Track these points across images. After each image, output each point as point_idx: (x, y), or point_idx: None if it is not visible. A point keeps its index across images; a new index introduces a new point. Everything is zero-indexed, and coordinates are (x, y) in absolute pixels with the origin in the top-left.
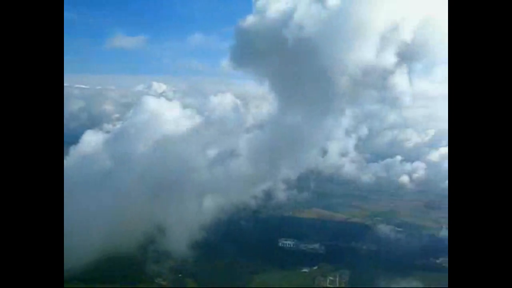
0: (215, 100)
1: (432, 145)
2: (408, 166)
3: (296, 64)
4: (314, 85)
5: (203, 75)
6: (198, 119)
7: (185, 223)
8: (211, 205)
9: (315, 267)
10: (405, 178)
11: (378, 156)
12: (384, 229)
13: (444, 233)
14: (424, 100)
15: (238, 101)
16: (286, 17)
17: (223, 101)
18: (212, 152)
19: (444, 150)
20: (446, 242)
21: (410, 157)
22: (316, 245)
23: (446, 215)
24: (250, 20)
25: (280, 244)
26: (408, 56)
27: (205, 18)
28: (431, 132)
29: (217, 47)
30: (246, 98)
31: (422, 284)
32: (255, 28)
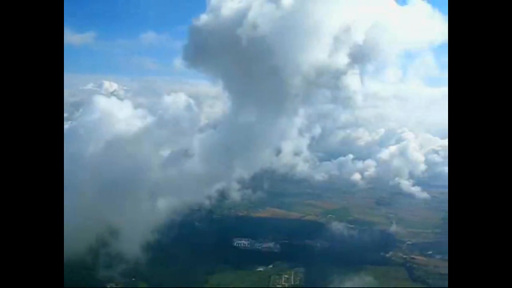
0: (168, 99)
1: (382, 143)
2: (359, 164)
3: (250, 64)
4: (268, 85)
5: (155, 74)
6: (150, 119)
7: (138, 225)
8: (164, 206)
9: (270, 266)
10: (357, 176)
11: (330, 155)
12: (337, 226)
13: (394, 228)
14: (375, 100)
15: (191, 101)
16: (240, 16)
17: (176, 101)
18: (165, 152)
19: (393, 148)
20: (395, 237)
21: (361, 155)
22: (271, 244)
23: (395, 211)
24: (203, 19)
25: (235, 244)
26: (359, 57)
27: (157, 16)
28: (381, 131)
29: (170, 45)
30: (199, 98)
31: (374, 279)
32: (208, 27)
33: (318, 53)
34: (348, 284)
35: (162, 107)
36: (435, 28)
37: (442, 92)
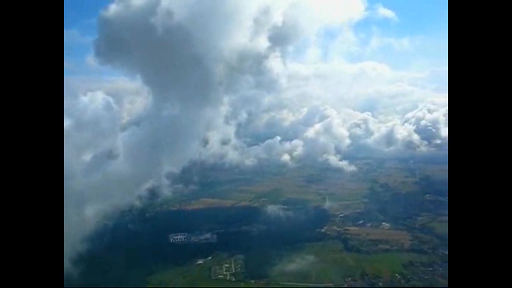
0: (84, 99)
1: (307, 122)
2: (287, 145)
3: (169, 54)
4: (190, 75)
5: (68, 74)
6: (68, 122)
7: (65, 237)
8: (93, 213)
9: (210, 257)
10: (285, 157)
11: (258, 139)
12: (271, 208)
13: (326, 203)
14: (296, 81)
15: (110, 99)
16: (153, 4)
17: (93, 100)
18: (87, 157)
19: (318, 126)
20: (328, 211)
21: (288, 136)
22: (208, 235)
23: (326, 186)
24: (112, 9)
25: (171, 240)
26: (280, 39)
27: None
28: (305, 110)
29: (79, 42)
30: (118, 95)
31: (312, 254)
32: (119, 18)
33: (239, 37)
34: (290, 266)
35: (79, 108)
36: (352, 5)
37: (360, 67)
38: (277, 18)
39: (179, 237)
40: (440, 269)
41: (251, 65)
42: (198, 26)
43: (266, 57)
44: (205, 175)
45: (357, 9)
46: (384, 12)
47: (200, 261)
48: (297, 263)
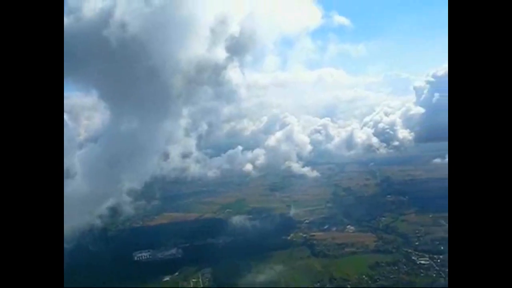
0: None
1: (267, 131)
2: (249, 154)
3: (124, 67)
4: (147, 88)
5: None
6: None
7: None
8: None
9: (176, 273)
10: (248, 166)
11: (220, 150)
12: (236, 219)
13: (292, 211)
14: (256, 90)
15: (65, 116)
16: (105, 16)
17: None
18: None
19: (279, 134)
20: (294, 218)
21: (249, 145)
22: (173, 250)
23: (290, 193)
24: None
25: (135, 258)
26: (238, 49)
27: None
28: (265, 119)
29: None
30: (74, 111)
31: (280, 263)
32: (70, 31)
33: (196, 48)
34: (260, 278)
35: None
36: (309, 13)
37: (318, 74)
38: (234, 28)
39: (144, 254)
40: (405, 267)
41: (209, 76)
42: (153, 37)
43: (224, 67)
44: (168, 189)
45: (314, 17)
46: (340, 19)
47: (167, 278)
48: (265, 273)
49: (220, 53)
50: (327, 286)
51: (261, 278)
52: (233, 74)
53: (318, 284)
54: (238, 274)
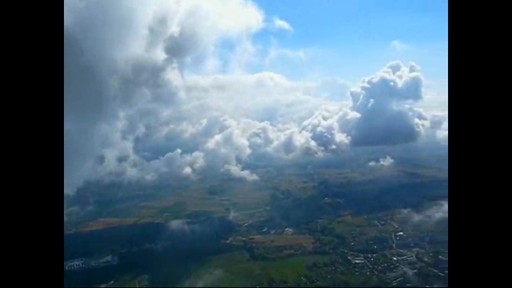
0: None
1: (207, 134)
2: (188, 157)
3: None
4: (81, 88)
5: None
6: None
7: None
8: None
9: (112, 281)
10: (187, 170)
11: (158, 153)
12: (175, 223)
13: (231, 214)
14: (195, 92)
15: None
16: None
17: None
18: None
19: (218, 137)
20: (233, 222)
21: (188, 148)
22: (108, 257)
23: (229, 197)
24: None
25: (66, 268)
26: (177, 50)
27: None
28: (204, 121)
29: None
30: None
31: (220, 267)
32: None
33: (134, 47)
34: (200, 283)
35: None
36: (250, 16)
37: (258, 77)
38: (174, 28)
39: (76, 263)
40: (341, 267)
41: (147, 77)
42: (88, 34)
43: (163, 68)
44: (103, 194)
45: (255, 20)
46: (281, 23)
47: (102, 286)
48: (204, 278)
49: (159, 54)
50: None
51: (200, 283)
52: (172, 76)
53: (257, 287)
54: (176, 279)
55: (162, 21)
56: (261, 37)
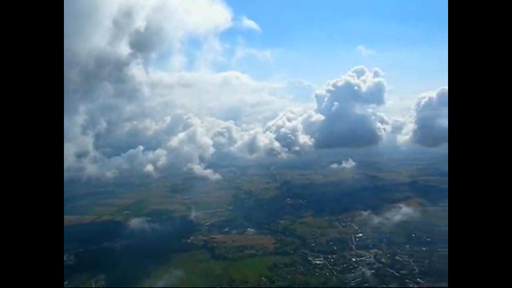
0: None
1: (170, 131)
2: (150, 155)
3: None
4: None
5: None
6: None
7: None
8: None
9: (66, 282)
10: (149, 167)
11: (120, 149)
12: (135, 221)
13: (193, 213)
14: (160, 89)
15: None
16: None
17: None
18: None
19: (182, 135)
20: (194, 221)
21: (151, 145)
22: (64, 257)
23: (191, 196)
24: None
25: None
26: (142, 45)
27: None
28: (168, 119)
29: None
30: None
31: (180, 266)
32: None
33: (97, 40)
34: (159, 283)
35: None
36: (218, 14)
37: (224, 76)
38: (140, 23)
39: None
40: (301, 267)
41: (110, 71)
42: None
43: (127, 63)
44: None
45: (223, 19)
46: (249, 23)
47: None
48: (164, 278)
49: (124, 48)
50: None
51: (160, 283)
52: (137, 71)
53: (218, 287)
54: (135, 280)
55: (127, 14)
56: (229, 36)
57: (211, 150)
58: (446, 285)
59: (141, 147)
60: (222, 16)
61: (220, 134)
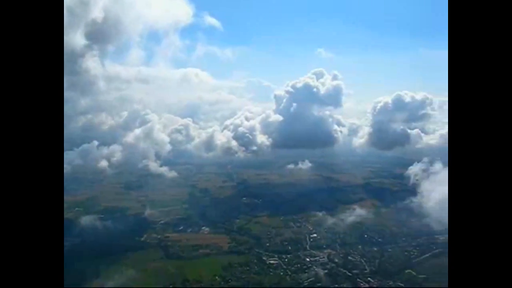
0: None
1: (126, 127)
2: (105, 150)
3: None
4: None
5: None
6: None
7: None
8: None
9: None
10: (103, 163)
11: (73, 144)
12: (86, 219)
13: (147, 211)
14: (117, 83)
15: None
16: None
17: None
18: None
19: (138, 131)
20: (148, 219)
21: (106, 140)
22: None
23: (146, 193)
24: None
25: None
26: (99, 36)
27: None
28: (125, 114)
29: None
30: None
31: (132, 265)
32: None
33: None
34: (109, 283)
35: None
36: (180, 9)
37: (183, 73)
38: (97, 13)
39: None
40: (256, 267)
41: (64, 63)
42: None
43: (82, 55)
44: None
45: (184, 14)
46: (211, 20)
47: None
48: (115, 278)
49: (78, 39)
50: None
51: (110, 283)
52: (92, 64)
53: (171, 286)
54: (84, 280)
55: (84, 3)
56: (190, 32)
57: (168, 147)
58: (393, 284)
59: (95, 142)
60: (184, 12)
61: (178, 131)
